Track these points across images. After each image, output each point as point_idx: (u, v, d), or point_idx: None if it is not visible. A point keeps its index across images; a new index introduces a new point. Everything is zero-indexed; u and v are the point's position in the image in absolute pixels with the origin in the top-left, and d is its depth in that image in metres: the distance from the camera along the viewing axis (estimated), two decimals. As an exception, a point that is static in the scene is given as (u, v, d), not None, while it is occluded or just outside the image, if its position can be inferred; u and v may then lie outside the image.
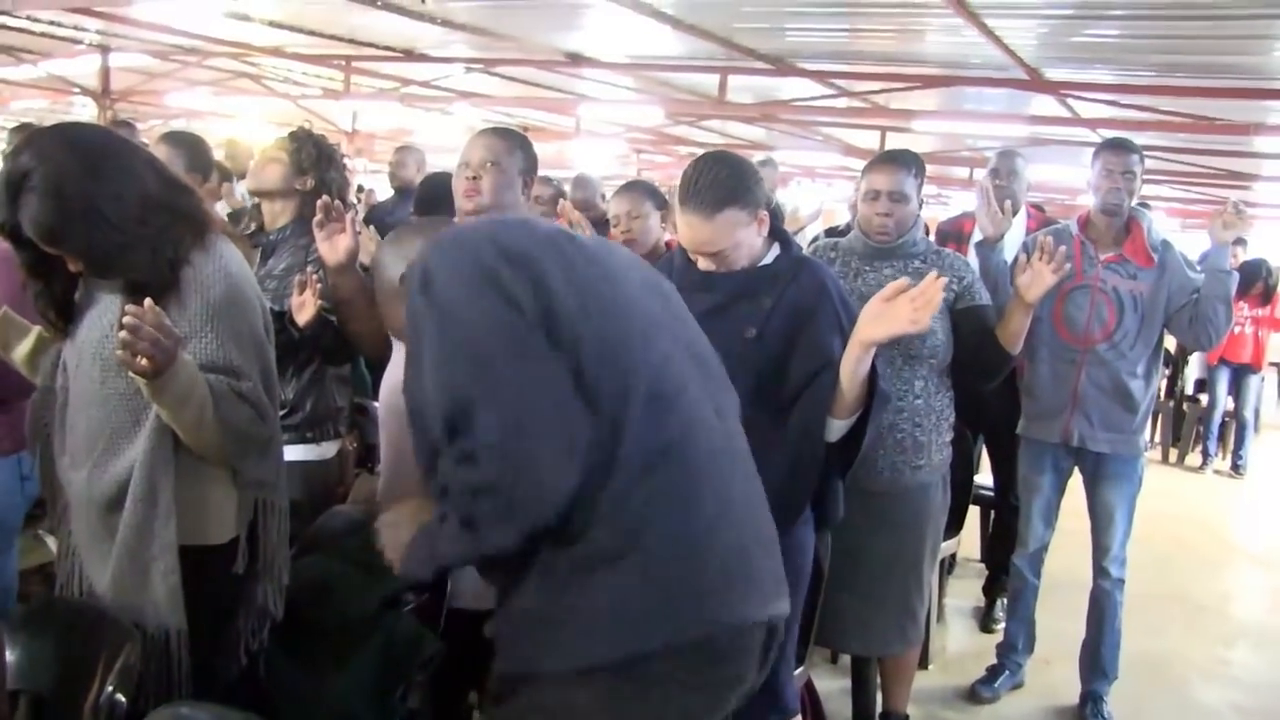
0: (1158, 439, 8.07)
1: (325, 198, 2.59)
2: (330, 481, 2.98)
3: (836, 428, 2.26)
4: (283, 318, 2.69)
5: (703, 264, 2.32)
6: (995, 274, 3.20)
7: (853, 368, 2.18)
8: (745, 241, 2.28)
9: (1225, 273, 3.26)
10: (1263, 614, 4.97)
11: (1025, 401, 3.55)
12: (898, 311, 2.10)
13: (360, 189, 10.31)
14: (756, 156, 5.61)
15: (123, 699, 1.82)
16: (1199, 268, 3.40)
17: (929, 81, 8.89)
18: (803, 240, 3.98)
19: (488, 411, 1.47)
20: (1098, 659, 3.57)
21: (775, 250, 2.38)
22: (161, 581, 1.92)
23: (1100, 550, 3.52)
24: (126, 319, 1.69)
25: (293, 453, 2.83)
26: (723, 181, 2.23)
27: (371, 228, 3.89)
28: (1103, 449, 3.41)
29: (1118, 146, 3.33)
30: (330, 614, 2.21)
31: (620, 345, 1.59)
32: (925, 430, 2.89)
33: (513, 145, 2.60)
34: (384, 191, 8.13)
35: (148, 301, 1.73)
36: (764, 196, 2.30)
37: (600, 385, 1.53)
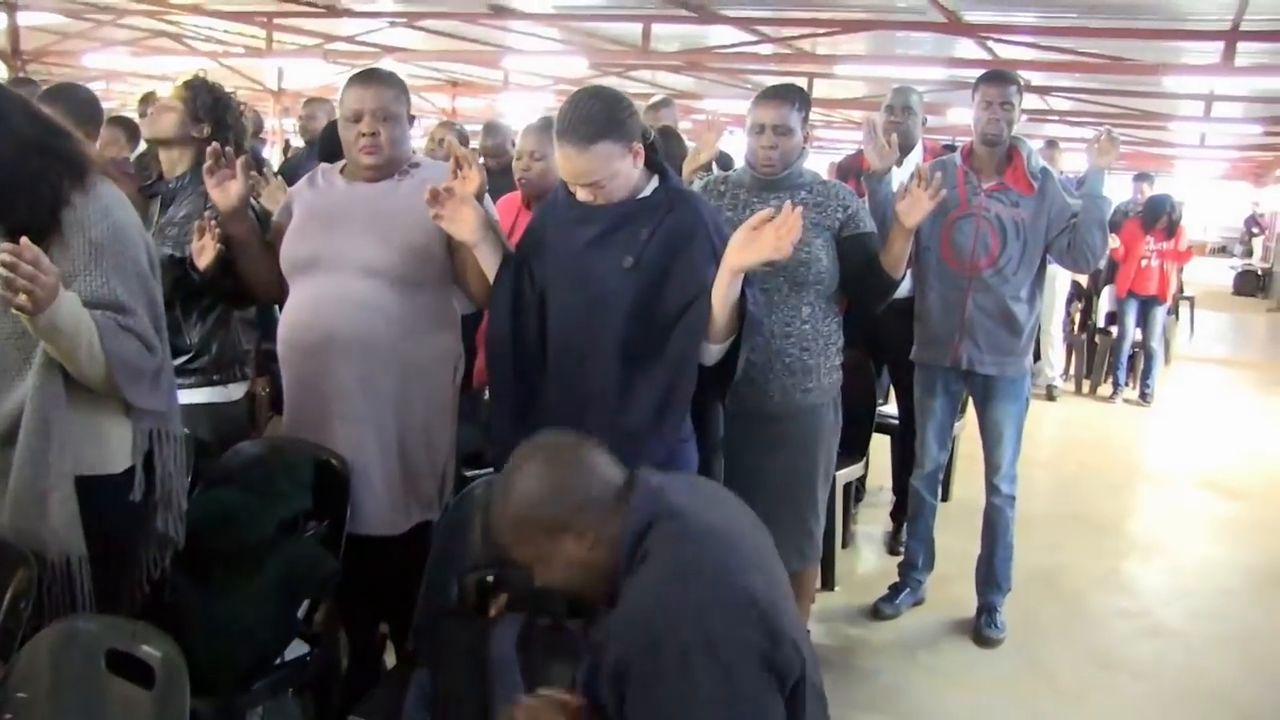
0: (1073, 371, 8.34)
1: (214, 144, 2.64)
2: (239, 422, 3.04)
3: (712, 352, 2.37)
4: (184, 264, 2.75)
5: (581, 195, 2.40)
6: (882, 205, 3.31)
7: (723, 293, 2.28)
8: (621, 173, 2.37)
9: (1100, 198, 3.42)
10: (1156, 529, 5.21)
11: (917, 329, 3.69)
12: (764, 239, 2.21)
13: (288, 146, 10.23)
14: (654, 98, 5.68)
15: (11, 625, 1.89)
16: (1076, 194, 3.55)
17: (848, 26, 9.01)
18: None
19: None
20: (991, 572, 3.76)
21: (654, 183, 2.47)
22: (59, 509, 1.98)
23: (991, 468, 3.69)
24: (2, 256, 1.75)
25: (200, 395, 2.91)
26: (596, 115, 2.32)
27: (279, 177, 3.92)
28: (990, 371, 3.56)
29: (995, 78, 3.46)
30: (231, 540, 2.30)
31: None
32: (813, 354, 3.01)
33: (399, 91, 2.65)
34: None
35: (23, 239, 1.78)
36: (638, 129, 2.38)
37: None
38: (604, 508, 1.70)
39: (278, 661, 2.34)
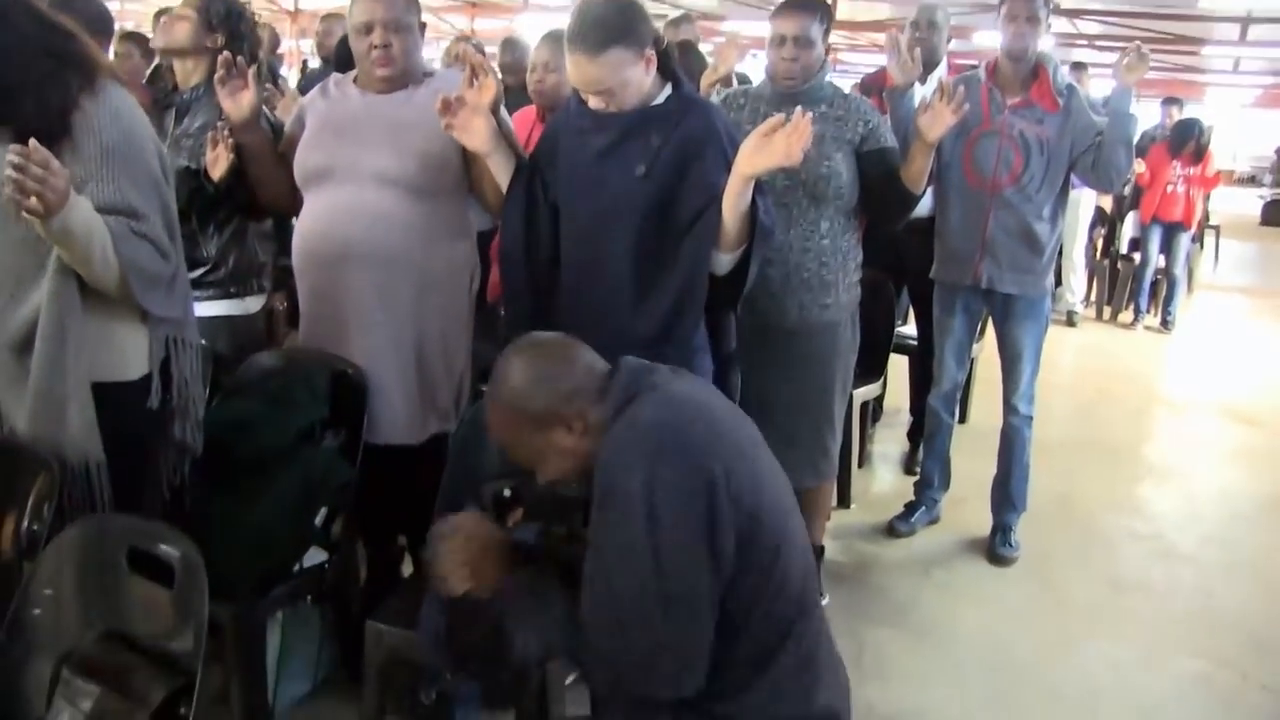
0: (1094, 297, 8.27)
1: (226, 54, 2.61)
2: (256, 335, 3.05)
3: (724, 261, 2.35)
4: (200, 175, 2.73)
5: (593, 103, 2.36)
6: (904, 120, 3.26)
7: (734, 201, 2.25)
8: (633, 80, 2.32)
9: (1127, 115, 3.35)
10: (1172, 454, 5.20)
11: (937, 246, 3.65)
12: (775, 145, 2.18)
13: (305, 66, 10.13)
14: (673, 14, 5.58)
15: (36, 527, 1.91)
16: (1102, 110, 3.48)
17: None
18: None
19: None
20: (1007, 492, 3.76)
21: (667, 90, 2.43)
22: (77, 416, 2.00)
23: (1009, 388, 3.68)
24: (11, 158, 1.73)
25: (217, 308, 2.92)
26: (607, 21, 2.27)
27: (295, 88, 3.89)
28: (1010, 290, 3.53)
29: (1022, -9, 3.38)
30: (249, 449, 2.32)
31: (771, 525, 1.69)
32: (831, 270, 2.99)
33: (409, 1, 2.61)
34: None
35: (32, 141, 1.76)
36: (650, 35, 2.33)
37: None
38: (589, 394, 1.72)
39: (296, 569, 2.37)
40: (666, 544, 1.58)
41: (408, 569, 2.96)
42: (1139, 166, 7.59)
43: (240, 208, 2.89)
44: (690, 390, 1.78)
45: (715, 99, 3.11)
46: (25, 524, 1.94)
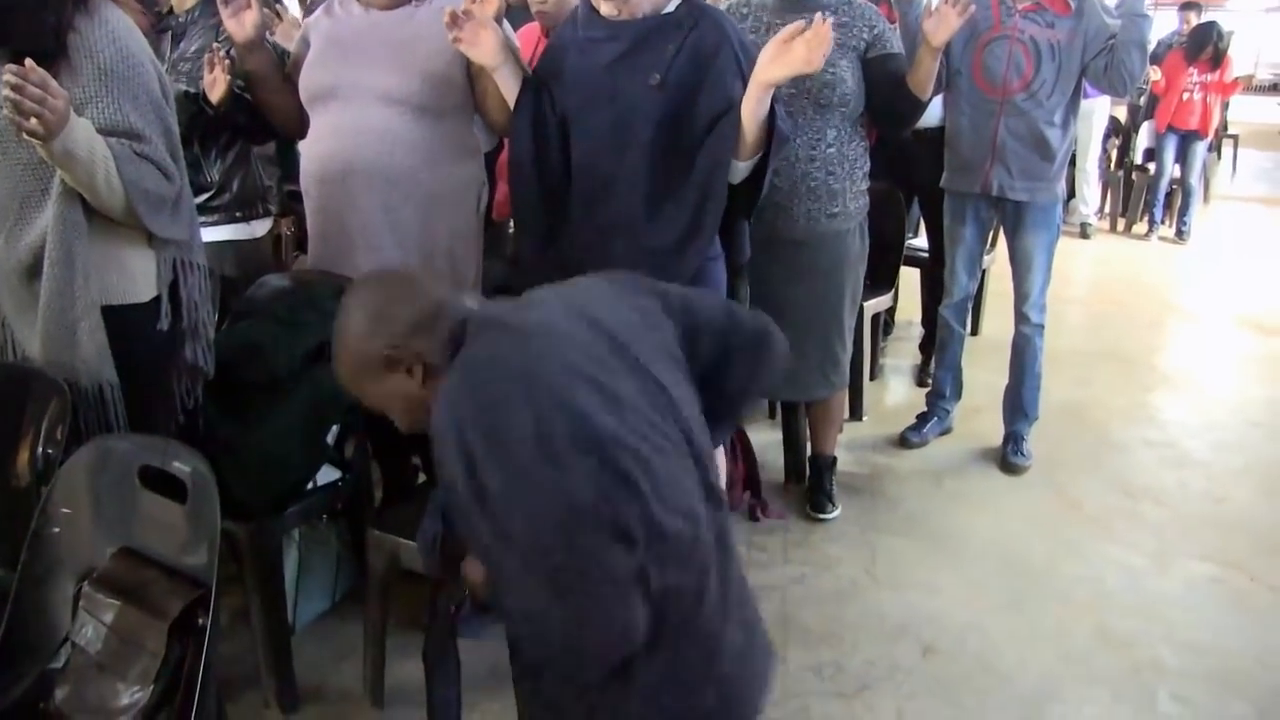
0: (1108, 208, 8.17)
1: None
2: (263, 259, 3.06)
3: (739, 169, 2.34)
4: (199, 99, 2.71)
5: (606, 9, 2.33)
6: (912, 27, 3.19)
7: (754, 108, 2.24)
8: None
9: (1142, 16, 3.27)
10: (1187, 364, 5.17)
11: (947, 154, 3.61)
12: (794, 52, 2.17)
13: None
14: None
15: (51, 451, 1.94)
16: (1116, 13, 3.41)
17: None
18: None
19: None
20: (1019, 401, 3.76)
21: (676, -1, 2.40)
22: (89, 339, 2.01)
23: (1020, 297, 3.65)
24: (8, 78, 1.72)
25: (223, 232, 2.92)
26: None
27: (292, 15, 3.85)
28: (1021, 197, 3.49)
29: (1032, -112, 3.29)
30: (259, 370, 2.33)
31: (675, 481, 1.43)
32: (839, 178, 2.96)
33: None
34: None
35: (28, 60, 1.76)
36: None
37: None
38: (428, 334, 1.46)
39: (310, 487, 2.39)
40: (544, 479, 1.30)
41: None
42: (1154, 73, 7.44)
43: (242, 131, 2.88)
44: (527, 315, 1.49)
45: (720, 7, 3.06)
46: (40, 448, 1.96)
